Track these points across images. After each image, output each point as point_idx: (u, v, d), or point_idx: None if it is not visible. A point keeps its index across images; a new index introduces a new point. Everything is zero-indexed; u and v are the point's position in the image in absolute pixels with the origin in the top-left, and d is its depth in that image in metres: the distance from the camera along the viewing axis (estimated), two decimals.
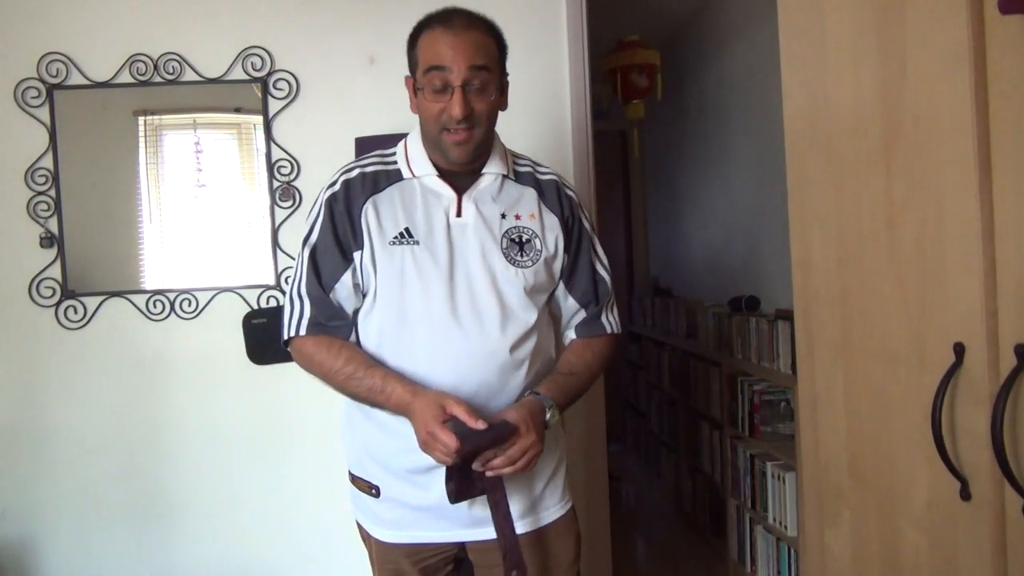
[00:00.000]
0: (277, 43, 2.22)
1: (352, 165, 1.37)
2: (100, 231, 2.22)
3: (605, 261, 1.45)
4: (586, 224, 1.43)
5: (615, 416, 4.67)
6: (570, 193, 1.42)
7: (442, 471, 1.32)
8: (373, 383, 1.26)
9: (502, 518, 1.24)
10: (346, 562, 2.21)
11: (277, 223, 2.23)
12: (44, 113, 2.17)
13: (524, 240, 1.34)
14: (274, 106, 2.22)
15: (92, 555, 2.22)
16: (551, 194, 1.39)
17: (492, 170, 1.35)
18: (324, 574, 2.26)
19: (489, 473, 1.21)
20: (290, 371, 2.08)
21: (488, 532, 1.34)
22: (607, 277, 1.44)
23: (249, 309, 2.22)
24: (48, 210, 2.18)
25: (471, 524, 1.34)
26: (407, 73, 1.34)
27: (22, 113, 2.17)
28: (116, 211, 2.23)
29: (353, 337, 1.34)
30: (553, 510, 1.38)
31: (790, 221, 1.33)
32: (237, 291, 2.23)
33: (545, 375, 1.37)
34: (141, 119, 2.21)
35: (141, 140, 2.21)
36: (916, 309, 0.97)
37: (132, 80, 2.19)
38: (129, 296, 2.21)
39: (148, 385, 2.22)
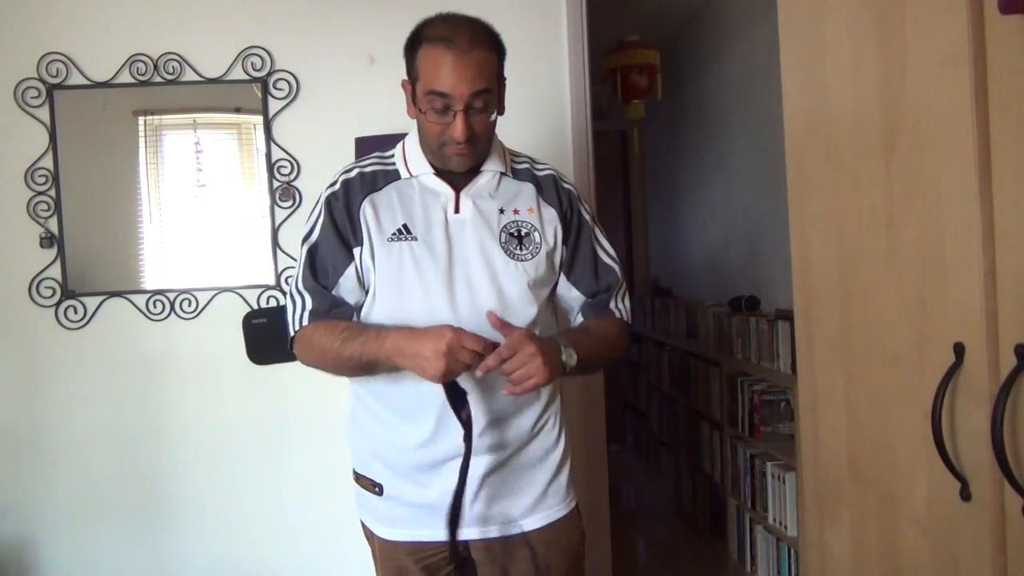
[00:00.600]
0: (277, 43, 2.22)
1: (351, 166, 1.38)
2: (100, 231, 2.22)
3: (611, 251, 1.44)
4: (586, 215, 1.43)
5: (615, 416, 4.67)
6: (568, 186, 1.43)
7: (443, 471, 1.32)
8: (368, 335, 1.24)
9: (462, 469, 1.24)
10: (346, 562, 2.22)
11: (277, 223, 2.23)
12: (44, 113, 2.17)
13: (523, 234, 1.34)
14: (274, 106, 2.22)
15: (92, 555, 2.23)
16: (549, 188, 1.40)
17: (490, 168, 1.36)
18: (324, 573, 2.26)
19: (477, 372, 1.18)
20: (290, 371, 2.09)
21: (490, 531, 1.35)
22: (614, 266, 1.43)
23: (249, 309, 2.22)
24: (48, 210, 2.18)
25: (474, 522, 1.34)
26: (406, 79, 1.34)
27: (22, 113, 2.17)
28: (116, 211, 2.23)
29: None
30: (557, 508, 1.38)
31: (790, 221, 1.33)
32: (237, 291, 2.23)
33: None
34: (141, 119, 2.21)
35: (141, 140, 2.21)
36: (916, 309, 0.97)
37: (132, 80, 2.19)
38: (129, 296, 2.21)
39: (148, 385, 2.22)
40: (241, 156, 2.26)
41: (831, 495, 1.24)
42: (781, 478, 2.58)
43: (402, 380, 1.30)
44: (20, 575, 2.21)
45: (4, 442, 2.21)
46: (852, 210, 1.12)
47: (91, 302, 2.20)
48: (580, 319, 1.43)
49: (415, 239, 1.30)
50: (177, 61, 2.19)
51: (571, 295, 1.42)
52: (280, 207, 2.23)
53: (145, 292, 2.21)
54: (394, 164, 1.37)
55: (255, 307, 2.23)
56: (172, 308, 2.22)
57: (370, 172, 1.35)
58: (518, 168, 1.41)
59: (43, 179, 2.18)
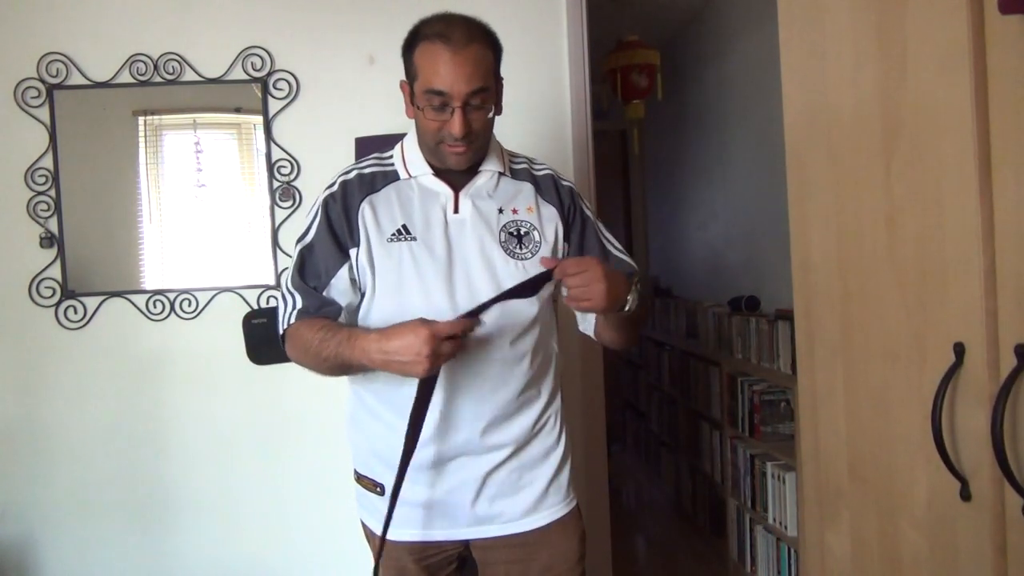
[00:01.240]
0: (277, 43, 2.22)
1: (350, 167, 1.38)
2: (100, 231, 2.22)
3: (618, 244, 1.45)
4: (587, 211, 1.43)
5: (615, 416, 4.67)
6: (566, 183, 1.43)
7: (444, 471, 1.32)
8: (340, 336, 1.24)
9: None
10: (346, 562, 2.22)
11: (277, 223, 2.23)
12: (44, 113, 2.17)
13: (522, 233, 1.34)
14: (274, 106, 2.22)
15: (92, 555, 2.23)
16: (548, 187, 1.40)
17: (489, 168, 1.36)
18: (324, 573, 2.26)
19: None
20: (290, 371, 2.08)
21: (491, 530, 1.35)
22: (626, 258, 1.43)
23: (249, 309, 2.22)
24: (48, 210, 2.18)
25: (475, 522, 1.34)
26: (404, 79, 1.34)
27: (22, 113, 2.17)
28: (116, 211, 2.23)
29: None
30: (557, 508, 1.38)
31: (790, 221, 1.33)
32: (237, 291, 2.23)
33: (547, 368, 1.38)
34: (141, 119, 2.21)
35: (141, 140, 2.21)
36: (916, 309, 0.97)
37: (132, 80, 2.19)
38: (129, 296, 2.21)
39: (148, 385, 2.22)
40: (241, 156, 2.26)
41: (831, 495, 1.24)
42: (781, 478, 2.58)
43: (403, 380, 1.30)
44: (20, 575, 2.21)
45: (4, 442, 2.21)
46: (852, 210, 1.12)
47: (91, 302, 2.20)
48: (589, 325, 1.43)
49: (414, 239, 1.30)
50: (177, 61, 2.19)
51: None
52: (280, 207, 2.23)
53: (145, 292, 2.21)
54: (393, 165, 1.37)
55: (255, 307, 2.23)
56: (172, 308, 2.22)
57: (368, 173, 1.36)
58: (516, 168, 1.41)
59: (43, 179, 2.18)
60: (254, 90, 2.21)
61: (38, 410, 2.21)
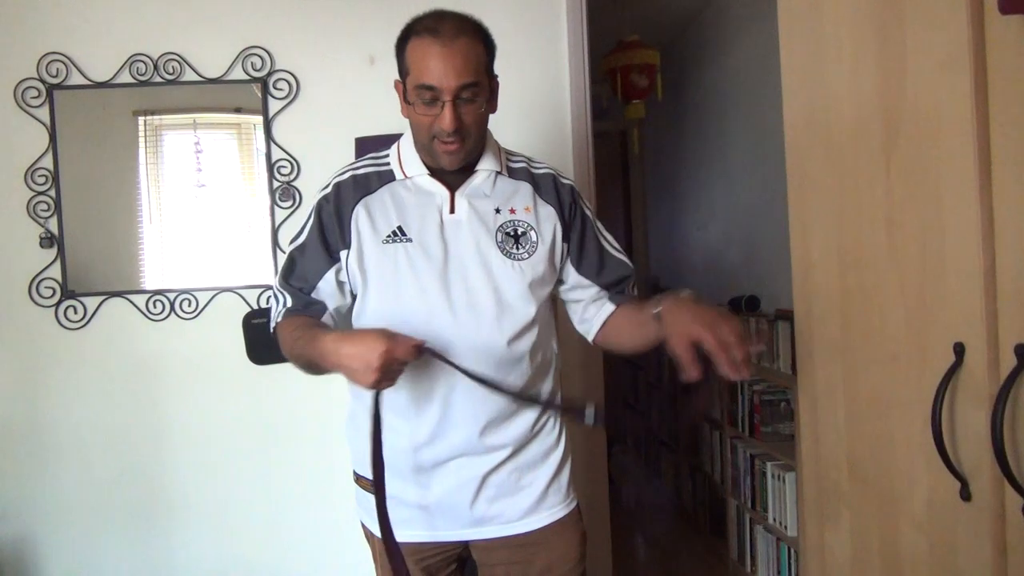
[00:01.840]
0: (277, 43, 2.22)
1: (345, 168, 1.38)
2: (100, 231, 2.22)
3: (615, 243, 1.44)
4: (587, 211, 1.43)
5: (615, 416, 4.67)
6: (567, 182, 1.42)
7: (443, 472, 1.32)
8: (309, 335, 1.23)
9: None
10: (346, 562, 2.22)
11: (277, 223, 2.23)
12: (44, 113, 2.17)
13: (519, 233, 1.34)
14: (274, 106, 2.22)
15: (92, 555, 2.22)
16: (547, 186, 1.39)
17: (485, 167, 1.35)
18: (324, 574, 2.26)
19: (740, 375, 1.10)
20: (290, 371, 2.08)
21: (491, 531, 1.34)
22: (624, 258, 1.43)
23: (249, 309, 2.22)
24: (48, 210, 2.18)
25: (474, 523, 1.34)
26: (399, 79, 1.34)
27: (22, 113, 2.17)
28: (116, 211, 2.23)
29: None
30: (557, 508, 1.38)
31: (790, 221, 1.33)
32: (237, 291, 2.23)
33: (547, 369, 1.38)
34: (141, 119, 2.21)
35: (141, 140, 2.21)
36: (916, 309, 0.97)
37: (132, 80, 2.19)
38: (129, 296, 2.21)
39: (148, 385, 2.22)
40: (241, 156, 2.26)
41: (831, 495, 1.24)
42: (781, 478, 2.58)
43: (402, 380, 1.29)
44: (20, 575, 2.21)
45: (4, 442, 2.20)
46: (852, 210, 1.12)
47: (91, 302, 2.20)
48: (595, 313, 1.42)
49: (410, 241, 1.30)
50: (177, 61, 2.19)
51: (584, 288, 1.41)
52: (280, 207, 2.23)
53: (145, 292, 2.21)
54: (388, 165, 1.36)
55: (255, 307, 2.23)
56: (172, 308, 2.22)
57: (363, 174, 1.35)
58: (514, 167, 1.40)
59: (43, 179, 2.18)
60: (254, 90, 2.21)
61: (38, 410, 2.21)
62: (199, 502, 2.24)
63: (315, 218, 1.33)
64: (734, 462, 2.98)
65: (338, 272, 1.32)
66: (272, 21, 2.22)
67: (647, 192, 5.30)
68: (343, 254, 1.31)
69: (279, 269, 1.38)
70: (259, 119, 2.22)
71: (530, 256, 1.33)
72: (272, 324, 1.37)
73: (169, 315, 2.22)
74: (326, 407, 2.16)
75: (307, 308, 1.33)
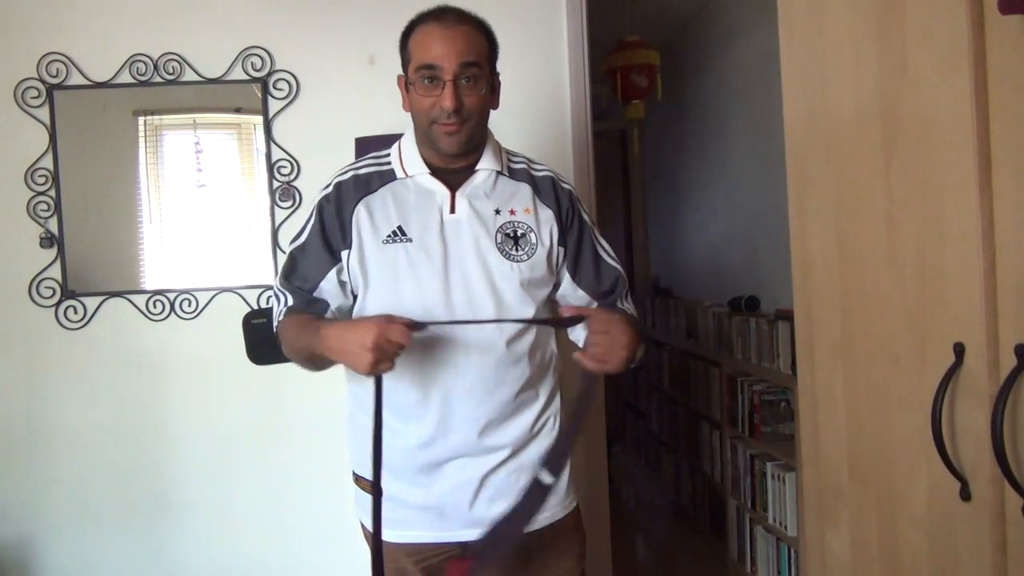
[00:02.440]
0: (277, 43, 2.22)
1: (346, 168, 1.38)
2: (100, 231, 2.22)
3: (611, 251, 1.45)
4: (585, 216, 1.43)
5: (615, 416, 4.67)
6: (566, 186, 1.42)
7: (442, 472, 1.32)
8: (312, 328, 1.24)
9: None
10: (346, 563, 2.22)
11: (277, 223, 2.23)
12: (44, 113, 2.17)
13: (519, 235, 1.34)
14: (274, 106, 2.22)
15: (92, 555, 2.22)
16: (546, 189, 1.39)
17: (485, 166, 1.35)
18: (323, 573, 2.26)
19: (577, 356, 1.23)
20: (290, 371, 2.08)
21: None
22: (616, 266, 1.43)
23: (249, 309, 2.22)
24: (48, 210, 2.18)
25: (473, 524, 1.34)
26: (402, 74, 1.34)
27: (22, 113, 2.17)
28: (116, 211, 2.23)
29: None
30: (557, 509, 1.38)
31: (790, 221, 1.33)
32: (237, 291, 2.23)
33: (546, 369, 1.38)
34: (141, 119, 2.21)
35: (141, 140, 2.21)
36: (916, 309, 0.97)
37: (132, 80, 2.19)
38: (129, 296, 2.21)
39: (148, 385, 2.22)
40: (241, 156, 2.26)
41: (831, 495, 1.24)
42: (781, 478, 2.58)
43: (401, 381, 1.30)
44: (20, 575, 2.21)
45: (4, 442, 2.20)
46: (852, 210, 1.12)
47: (91, 302, 2.20)
48: (582, 329, 1.42)
49: (410, 240, 1.30)
50: (177, 61, 2.19)
51: (576, 294, 1.41)
52: (280, 207, 2.23)
53: (145, 292, 2.21)
54: (389, 164, 1.37)
55: (255, 307, 2.23)
56: (172, 308, 2.22)
57: (364, 174, 1.35)
58: (515, 168, 1.40)
59: (43, 179, 2.18)
60: (254, 90, 2.21)
61: (38, 410, 2.21)
62: (199, 502, 2.24)
63: (316, 218, 1.33)
64: (734, 462, 2.98)
65: (340, 272, 1.33)
66: (272, 21, 2.22)
67: (647, 192, 5.30)
68: (344, 254, 1.32)
69: (280, 269, 1.38)
70: (259, 119, 2.22)
71: (529, 258, 1.33)
72: (275, 323, 1.37)
73: (169, 315, 2.22)
74: (326, 407, 2.16)
75: (309, 307, 1.33)
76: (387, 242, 1.30)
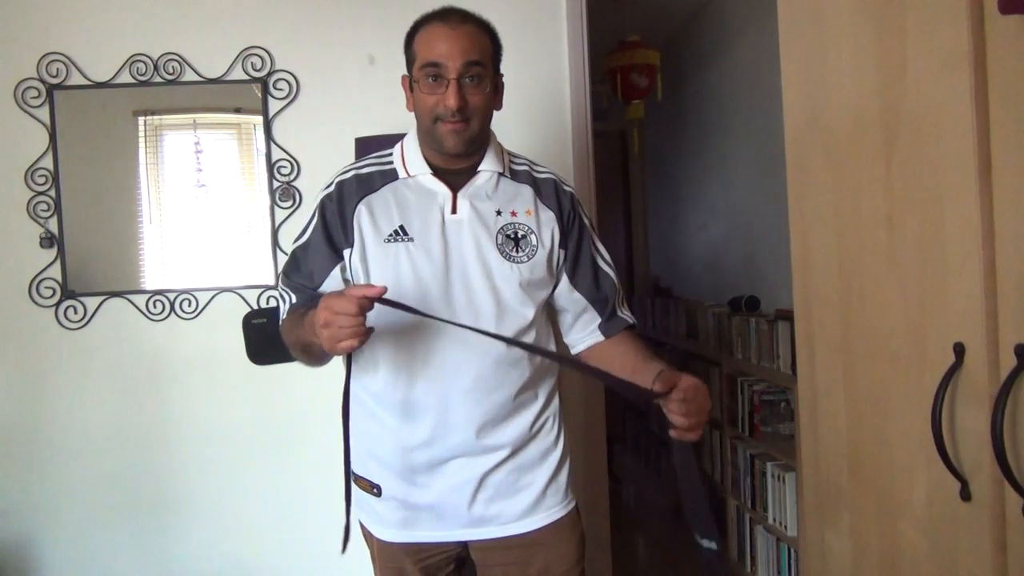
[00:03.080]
0: (277, 43, 2.22)
1: (348, 167, 1.38)
2: (100, 231, 2.22)
3: (607, 257, 1.44)
4: (585, 220, 1.43)
5: (615, 416, 4.67)
6: (568, 189, 1.42)
7: (441, 472, 1.32)
8: (302, 317, 1.23)
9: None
10: (346, 562, 2.21)
11: (277, 223, 2.23)
12: (44, 113, 2.17)
13: (519, 236, 1.34)
14: (274, 106, 2.22)
15: (92, 555, 2.22)
16: (548, 191, 1.39)
17: (487, 168, 1.36)
18: (324, 574, 2.25)
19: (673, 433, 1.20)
20: (290, 371, 2.09)
21: (489, 532, 1.35)
22: (612, 273, 1.43)
23: (249, 309, 2.22)
24: (48, 210, 2.18)
25: (472, 524, 1.34)
26: (406, 73, 1.35)
27: (22, 113, 2.17)
28: (116, 211, 2.23)
29: None
30: (556, 509, 1.38)
31: (790, 221, 1.33)
32: (237, 291, 2.23)
33: (545, 371, 1.38)
34: (141, 119, 2.21)
35: (141, 140, 2.21)
36: (916, 309, 0.97)
37: (132, 80, 2.19)
38: (129, 296, 2.21)
39: (148, 385, 2.22)
40: (241, 156, 2.26)
41: (831, 495, 1.24)
42: (781, 478, 2.58)
43: (400, 380, 1.30)
44: (20, 575, 2.21)
45: (4, 442, 2.20)
46: (852, 210, 1.12)
47: (91, 302, 2.20)
48: (580, 335, 1.42)
49: (411, 240, 1.30)
50: (177, 61, 2.19)
51: (572, 297, 1.41)
52: (280, 207, 2.23)
53: (145, 292, 2.21)
54: (391, 164, 1.37)
55: (255, 307, 2.23)
56: (172, 308, 2.22)
57: (366, 173, 1.35)
58: (517, 169, 1.40)
59: (43, 179, 2.18)
60: (254, 90, 2.21)
61: (38, 410, 2.21)
62: (199, 502, 2.24)
63: (319, 216, 1.33)
64: (734, 462, 2.98)
65: (343, 270, 1.33)
66: (272, 21, 2.22)
67: (647, 192, 5.30)
68: (347, 253, 1.32)
69: (283, 268, 1.38)
70: (259, 119, 2.22)
71: (529, 259, 1.33)
72: (280, 322, 1.37)
73: (169, 315, 2.22)
74: (326, 407, 2.15)
75: (312, 304, 1.33)
76: (389, 241, 1.30)
